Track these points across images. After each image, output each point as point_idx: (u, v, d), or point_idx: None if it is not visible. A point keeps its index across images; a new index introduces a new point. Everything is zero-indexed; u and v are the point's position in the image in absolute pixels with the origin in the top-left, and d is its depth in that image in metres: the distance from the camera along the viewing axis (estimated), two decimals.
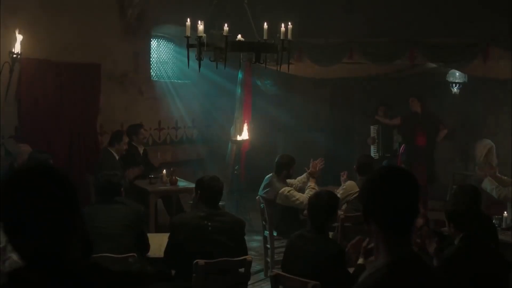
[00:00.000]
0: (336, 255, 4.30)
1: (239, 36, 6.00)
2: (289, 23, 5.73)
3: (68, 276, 1.80)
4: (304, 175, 7.64)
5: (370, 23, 9.69)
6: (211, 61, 5.81)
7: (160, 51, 10.96)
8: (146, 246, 5.30)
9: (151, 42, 10.54)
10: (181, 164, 9.92)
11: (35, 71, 8.34)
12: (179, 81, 10.96)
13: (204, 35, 5.50)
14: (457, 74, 10.16)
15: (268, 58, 6.13)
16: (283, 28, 5.68)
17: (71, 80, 8.77)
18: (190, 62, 10.24)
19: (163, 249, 5.13)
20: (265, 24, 5.81)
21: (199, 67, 5.65)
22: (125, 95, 9.82)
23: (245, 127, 9.33)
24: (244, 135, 9.35)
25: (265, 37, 5.81)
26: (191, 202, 8.42)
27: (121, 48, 9.60)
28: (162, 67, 10.92)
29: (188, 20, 5.75)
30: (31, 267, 1.80)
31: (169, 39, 11.06)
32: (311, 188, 7.12)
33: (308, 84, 11.11)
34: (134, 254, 4.75)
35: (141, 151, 8.99)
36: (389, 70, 9.91)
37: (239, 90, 9.88)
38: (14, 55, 7.76)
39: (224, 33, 5.41)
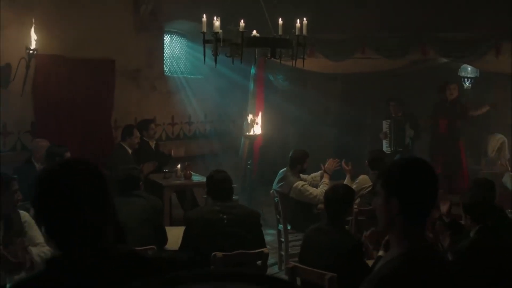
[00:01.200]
0: (352, 248, 4.37)
1: (254, 32, 6.05)
2: (304, 19, 5.79)
3: (105, 261, 1.89)
4: (318, 172, 7.71)
5: (381, 18, 9.73)
6: (227, 56, 5.87)
7: (173, 47, 11.04)
8: (164, 239, 5.40)
9: (164, 38, 10.61)
10: (194, 158, 9.99)
11: (50, 67, 8.44)
12: (192, 76, 11.02)
13: (220, 31, 5.56)
14: (469, 69, 10.19)
15: (282, 53, 6.21)
16: (298, 24, 5.73)
17: (85, 76, 8.87)
18: (205, 57, 10.36)
19: (180, 241, 5.21)
20: (280, 20, 5.87)
21: (215, 62, 5.72)
22: (139, 90, 9.92)
23: (258, 122, 9.38)
24: (257, 130, 9.40)
25: (280, 32, 5.87)
26: (206, 196, 8.56)
27: (134, 43, 9.69)
28: (175, 62, 10.99)
29: (204, 16, 5.80)
30: (69, 254, 1.90)
31: (181, 34, 11.13)
32: (325, 183, 7.22)
33: (319, 79, 11.16)
34: (154, 246, 4.84)
35: (153, 146, 9.07)
36: (400, 65, 9.93)
37: (252, 85, 9.94)
38: (30, 51, 7.85)
39: (240, 29, 5.47)
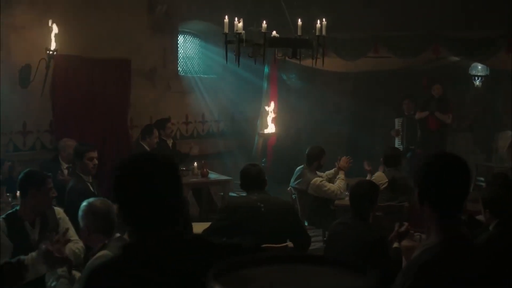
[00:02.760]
0: (377, 241, 4.50)
1: (273, 32, 6.19)
2: (324, 19, 5.93)
3: (179, 246, 2.05)
4: (333, 170, 7.85)
5: (393, 17, 9.83)
6: (250, 56, 6.01)
7: (186, 47, 11.18)
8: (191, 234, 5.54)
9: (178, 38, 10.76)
10: (208, 157, 10.12)
11: (68, 67, 8.61)
12: (205, 75, 11.17)
13: (243, 31, 5.70)
14: (479, 67, 10.32)
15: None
16: (318, 25, 5.87)
17: (102, 76, 9.03)
18: (218, 57, 10.53)
19: None
20: (299, 20, 6.01)
21: (238, 62, 5.86)
22: (154, 90, 10.05)
23: (272, 121, 9.50)
24: (271, 128, 9.52)
25: (299, 33, 6.01)
26: (222, 194, 8.71)
27: (149, 44, 9.83)
28: (189, 62, 11.14)
29: (226, 17, 5.94)
30: (145, 239, 2.05)
31: (194, 34, 11.28)
32: (341, 179, 7.38)
33: (331, 78, 11.28)
34: None
35: (170, 144, 9.22)
36: (412, 63, 10.06)
37: (265, 85, 10.07)
38: (50, 52, 7.99)
39: (263, 30, 5.61)
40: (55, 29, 7.94)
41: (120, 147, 9.16)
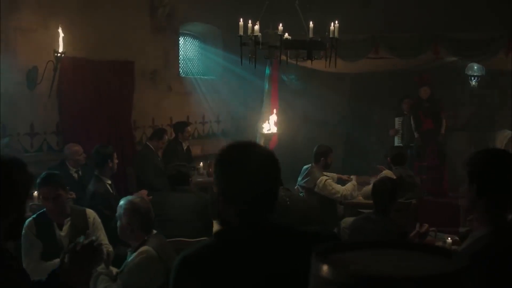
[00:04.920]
0: (400, 236, 4.67)
1: (285, 34, 6.32)
2: (336, 22, 6.08)
3: (270, 234, 2.16)
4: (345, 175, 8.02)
5: (393, 18, 9.95)
6: (266, 58, 6.15)
7: (186, 48, 11.30)
8: (211, 232, 5.66)
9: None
10: (209, 157, 10.19)
11: (74, 69, 8.64)
12: (205, 77, 11.29)
13: (259, 34, 5.83)
14: (476, 67, 10.51)
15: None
16: (332, 27, 6.02)
17: (107, 78, 9.10)
18: (217, 58, 10.65)
19: None
20: (311, 23, 6.15)
21: (255, 64, 5.99)
22: (156, 91, 10.16)
23: (273, 121, 9.61)
24: (272, 128, 9.63)
25: (311, 35, 6.15)
26: None
27: (152, 45, 9.94)
28: (189, 63, 11.26)
29: (241, 20, 6.06)
30: (240, 228, 2.16)
31: (194, 36, 11.40)
32: (352, 183, 7.53)
33: (329, 78, 11.42)
34: (207, 238, 5.10)
35: (185, 147, 9.33)
36: (410, 64, 10.23)
37: (267, 85, 10.20)
38: (58, 54, 8.06)
39: (279, 32, 5.74)
40: (61, 33, 8.00)
41: (124, 148, 9.23)
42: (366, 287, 1.53)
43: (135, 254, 3.99)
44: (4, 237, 2.45)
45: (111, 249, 4.74)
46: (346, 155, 11.70)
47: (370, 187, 7.39)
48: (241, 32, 6.05)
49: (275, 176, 2.23)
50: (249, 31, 6.05)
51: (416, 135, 10.37)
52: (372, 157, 11.69)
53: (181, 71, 11.01)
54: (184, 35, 11.13)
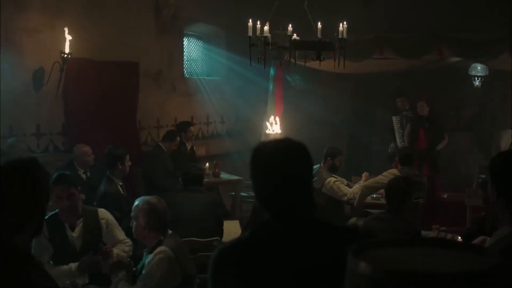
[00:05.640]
0: (412, 234, 4.70)
1: (293, 35, 6.34)
2: (345, 22, 6.11)
3: (304, 228, 2.19)
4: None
5: (397, 18, 9.96)
6: (275, 59, 6.18)
7: (190, 49, 11.32)
8: (222, 231, 5.70)
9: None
10: (213, 158, 10.25)
11: (79, 70, 8.66)
12: (209, 77, 11.32)
13: (269, 35, 5.86)
14: (479, 67, 10.53)
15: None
16: (341, 28, 6.06)
17: (112, 78, 9.10)
18: (221, 59, 10.67)
19: (232, 235, 5.53)
20: (319, 23, 6.19)
21: (264, 64, 6.02)
22: (160, 92, 10.18)
23: (278, 121, 9.64)
24: (277, 129, 9.67)
25: (319, 35, 6.18)
26: (233, 193, 8.87)
27: (156, 46, 9.96)
28: (193, 64, 11.29)
29: (250, 20, 6.09)
30: (278, 220, 2.19)
31: (198, 37, 11.43)
32: (360, 186, 7.53)
33: (332, 79, 11.46)
34: (218, 238, 5.15)
35: (188, 147, 9.35)
36: (414, 64, 10.26)
37: (271, 86, 10.23)
38: (65, 55, 8.08)
39: (288, 33, 5.77)
40: (68, 34, 8.02)
41: (130, 149, 9.16)
42: (405, 283, 1.56)
43: (151, 255, 4.01)
44: (31, 238, 2.47)
45: (129, 243, 4.71)
46: (349, 155, 11.71)
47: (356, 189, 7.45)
48: (250, 33, 6.07)
49: (306, 169, 2.27)
50: (258, 32, 6.07)
51: (405, 142, 10.35)
52: (375, 157, 11.75)
53: (185, 71, 11.03)
54: (188, 35, 11.16)
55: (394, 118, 10.78)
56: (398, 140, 10.62)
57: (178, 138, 8.84)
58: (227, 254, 2.22)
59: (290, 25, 5.85)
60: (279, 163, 2.20)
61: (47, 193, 2.44)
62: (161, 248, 4.02)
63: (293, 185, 2.19)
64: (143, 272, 3.99)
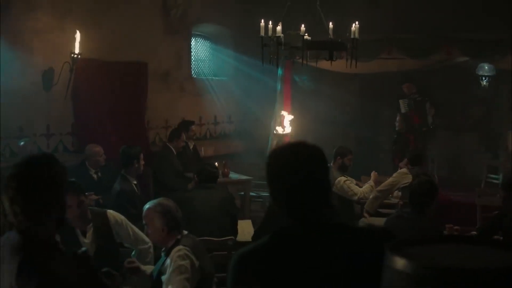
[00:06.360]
0: (435, 233, 4.71)
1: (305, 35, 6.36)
2: (356, 22, 6.13)
3: (324, 231, 2.20)
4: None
5: (405, 18, 9.96)
6: (287, 59, 6.20)
7: (198, 49, 11.35)
8: (236, 230, 5.72)
9: None
10: (221, 158, 10.26)
11: (88, 70, 8.68)
12: (217, 78, 11.34)
13: (281, 35, 5.88)
14: (486, 67, 10.52)
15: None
16: (353, 28, 6.08)
17: (121, 79, 9.15)
18: (229, 59, 10.69)
19: (245, 234, 5.58)
20: (330, 24, 6.21)
21: (277, 64, 6.04)
22: (168, 92, 10.21)
23: (287, 121, 9.65)
24: (286, 129, 9.68)
25: (331, 36, 6.20)
26: (243, 193, 8.89)
27: (164, 47, 10.00)
28: (201, 64, 11.32)
29: (262, 21, 6.11)
30: (297, 225, 2.20)
31: (205, 37, 11.45)
32: (370, 185, 7.56)
33: (339, 79, 11.47)
34: (232, 237, 5.16)
35: (191, 146, 9.36)
36: (422, 64, 10.27)
37: (279, 86, 10.24)
38: (75, 56, 8.10)
39: (301, 33, 5.79)
40: (79, 34, 8.05)
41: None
42: (447, 279, 1.58)
43: (171, 254, 4.02)
44: (55, 229, 2.54)
45: (150, 244, 4.67)
46: (357, 155, 11.70)
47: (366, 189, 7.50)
48: (262, 33, 6.09)
49: (324, 172, 2.26)
50: (270, 32, 6.09)
51: (429, 120, 10.45)
52: (382, 157, 11.75)
53: (193, 72, 11.05)
54: (195, 36, 11.18)
55: (401, 101, 10.75)
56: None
57: (184, 135, 8.83)
58: (248, 258, 2.21)
59: (303, 25, 5.86)
60: (296, 167, 2.19)
61: (65, 186, 2.49)
62: (179, 247, 4.03)
63: (311, 189, 2.19)
64: (167, 272, 3.96)
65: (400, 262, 1.67)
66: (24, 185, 2.41)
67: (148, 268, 4.30)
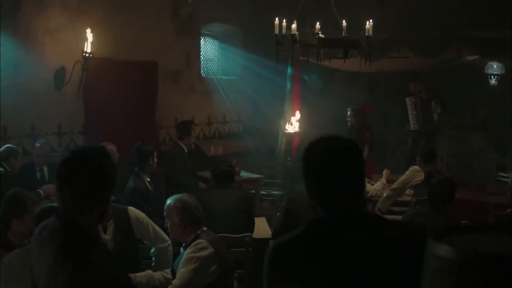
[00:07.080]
0: None
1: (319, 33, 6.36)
2: (371, 20, 6.15)
3: (358, 223, 2.23)
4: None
5: (414, 17, 9.97)
6: (302, 57, 6.21)
7: (207, 48, 11.37)
8: (253, 227, 5.74)
9: None
10: (230, 157, 10.27)
11: (100, 69, 8.71)
12: (226, 77, 11.37)
13: (296, 32, 5.90)
14: (495, 66, 10.54)
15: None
16: (367, 26, 6.09)
17: (131, 78, 9.17)
18: (237, 58, 10.71)
19: (260, 231, 5.60)
20: (344, 22, 6.22)
21: (292, 62, 6.06)
22: (178, 91, 10.25)
23: (296, 120, 9.67)
24: (296, 128, 9.70)
25: (344, 34, 6.22)
26: (253, 192, 8.89)
27: (174, 46, 10.04)
28: (210, 63, 11.34)
29: (277, 19, 6.12)
30: (333, 216, 2.23)
31: (214, 36, 11.48)
32: (382, 182, 7.57)
33: (348, 77, 11.50)
34: (250, 234, 5.18)
35: (192, 146, 9.34)
36: (431, 63, 10.28)
37: (289, 85, 10.26)
38: (87, 55, 8.13)
39: (316, 31, 5.81)
40: (90, 34, 8.08)
41: None
42: (491, 265, 1.60)
43: (190, 247, 4.05)
44: (96, 222, 2.57)
45: (169, 243, 4.67)
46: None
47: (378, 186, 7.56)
48: (276, 31, 6.10)
49: (359, 165, 2.30)
50: (284, 30, 6.10)
51: (435, 117, 10.48)
52: (391, 155, 11.78)
53: (202, 71, 11.08)
54: (204, 35, 11.20)
55: (408, 99, 10.74)
56: (411, 121, 10.61)
57: (195, 132, 8.82)
58: (283, 249, 2.24)
59: (318, 23, 5.88)
60: (334, 160, 2.24)
61: (113, 180, 2.51)
62: (199, 240, 4.06)
63: (347, 181, 2.23)
64: (185, 265, 3.98)
65: (444, 249, 1.69)
66: (75, 173, 2.42)
67: (145, 275, 4.34)
